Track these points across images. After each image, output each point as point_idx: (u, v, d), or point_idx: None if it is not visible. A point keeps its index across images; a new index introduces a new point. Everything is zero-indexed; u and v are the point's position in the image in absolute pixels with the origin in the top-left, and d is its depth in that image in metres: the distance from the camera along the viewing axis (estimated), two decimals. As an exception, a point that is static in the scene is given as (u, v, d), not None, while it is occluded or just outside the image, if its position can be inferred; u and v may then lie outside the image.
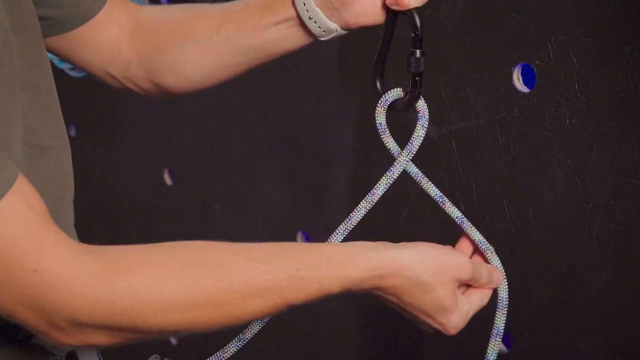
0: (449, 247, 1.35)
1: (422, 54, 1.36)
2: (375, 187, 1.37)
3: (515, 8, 1.76)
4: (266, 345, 2.51)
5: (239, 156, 2.54)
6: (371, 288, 1.27)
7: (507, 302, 1.41)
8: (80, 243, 1.19)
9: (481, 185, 1.90)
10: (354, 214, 1.37)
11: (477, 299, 1.37)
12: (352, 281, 1.25)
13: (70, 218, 1.42)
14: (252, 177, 2.52)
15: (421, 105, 1.37)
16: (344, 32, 1.46)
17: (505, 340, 1.92)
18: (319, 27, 1.45)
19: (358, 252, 1.26)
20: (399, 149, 1.38)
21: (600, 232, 1.72)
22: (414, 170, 1.39)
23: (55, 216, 1.35)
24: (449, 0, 1.87)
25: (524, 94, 1.78)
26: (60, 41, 1.52)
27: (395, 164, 1.37)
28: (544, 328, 1.84)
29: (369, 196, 1.37)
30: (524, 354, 1.87)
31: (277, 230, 2.44)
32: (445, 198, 1.41)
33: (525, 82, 1.79)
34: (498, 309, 1.41)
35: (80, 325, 1.16)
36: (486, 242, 1.40)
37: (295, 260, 1.23)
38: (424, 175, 1.39)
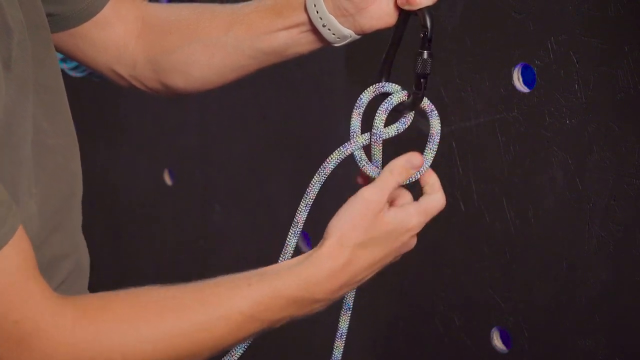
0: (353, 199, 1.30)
1: (429, 55, 1.33)
2: (327, 161, 1.37)
3: (515, 8, 1.76)
4: (266, 346, 2.51)
5: (239, 156, 2.54)
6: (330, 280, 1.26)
7: (350, 306, 1.43)
8: (60, 296, 1.19)
9: (481, 185, 1.90)
10: (310, 188, 1.38)
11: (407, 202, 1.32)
12: (306, 278, 1.25)
13: (78, 218, 1.42)
14: (252, 177, 2.52)
15: (426, 102, 1.36)
16: (357, 37, 1.43)
17: (505, 340, 1.92)
18: (333, 34, 1.42)
19: (295, 262, 1.27)
20: (359, 131, 1.36)
21: (600, 232, 1.72)
22: (361, 157, 1.36)
23: (64, 216, 1.36)
24: (449, 0, 1.87)
25: (524, 94, 1.78)
26: (65, 38, 1.50)
27: (350, 142, 1.35)
28: (544, 328, 1.84)
29: (320, 169, 1.37)
30: (524, 354, 1.87)
31: (277, 230, 2.44)
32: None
33: (525, 82, 1.79)
34: (342, 311, 1.43)
35: None
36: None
37: (245, 279, 1.24)
38: (368, 162, 1.36)
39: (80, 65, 1.61)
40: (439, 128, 1.35)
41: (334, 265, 1.26)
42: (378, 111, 1.33)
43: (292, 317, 1.28)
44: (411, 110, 1.35)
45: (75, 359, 1.16)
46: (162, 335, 1.19)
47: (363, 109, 1.35)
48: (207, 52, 1.50)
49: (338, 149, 1.36)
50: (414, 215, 1.30)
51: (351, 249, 1.27)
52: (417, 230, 1.31)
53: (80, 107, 2.96)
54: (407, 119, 1.35)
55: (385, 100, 1.33)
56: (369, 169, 1.36)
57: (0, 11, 1.22)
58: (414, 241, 1.33)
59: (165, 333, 1.20)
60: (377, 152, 1.35)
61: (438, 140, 1.35)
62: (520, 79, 1.79)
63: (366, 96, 1.36)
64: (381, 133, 1.33)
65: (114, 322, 1.18)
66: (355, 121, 1.36)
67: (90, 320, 1.17)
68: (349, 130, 1.36)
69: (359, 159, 1.36)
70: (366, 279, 1.31)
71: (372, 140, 1.34)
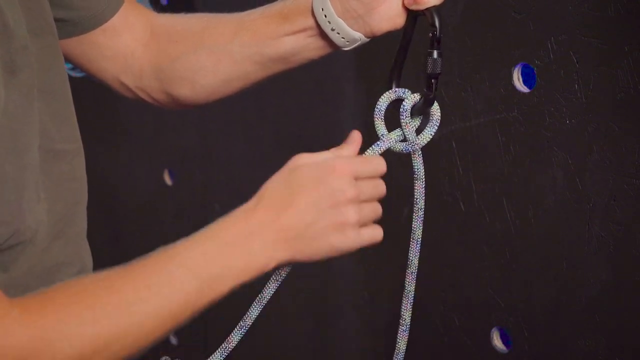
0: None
1: (439, 55, 1.32)
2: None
3: (515, 8, 1.76)
4: (268, 343, 2.51)
5: (239, 156, 2.54)
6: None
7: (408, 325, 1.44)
8: (7, 299, 1.17)
9: (481, 185, 1.90)
10: None
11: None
12: (229, 214, 1.24)
13: (83, 225, 1.41)
14: (252, 177, 2.51)
15: (434, 109, 1.36)
16: (366, 40, 1.42)
17: (505, 340, 1.92)
18: (343, 37, 1.40)
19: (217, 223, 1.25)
20: (386, 132, 1.37)
21: (600, 232, 1.72)
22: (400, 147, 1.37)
23: (67, 224, 1.35)
24: (449, 0, 1.87)
25: (524, 94, 1.78)
26: (73, 45, 1.49)
27: (382, 140, 1.36)
28: (544, 328, 1.84)
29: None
30: (524, 354, 1.87)
31: (277, 230, 2.44)
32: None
33: (525, 82, 1.79)
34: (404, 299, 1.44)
35: None
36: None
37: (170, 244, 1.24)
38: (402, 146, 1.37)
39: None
40: (429, 136, 1.37)
41: (250, 204, 1.26)
42: (402, 123, 1.35)
43: (231, 270, 1.22)
44: (421, 113, 1.35)
45: (25, 357, 1.13)
46: (99, 313, 1.17)
47: (383, 113, 1.36)
48: (213, 58, 1.49)
49: (372, 147, 1.36)
50: (327, 155, 1.34)
51: (265, 189, 1.27)
52: (342, 171, 1.30)
53: (80, 107, 2.96)
54: (435, 121, 1.36)
55: (402, 108, 1.34)
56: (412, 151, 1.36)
57: (0, 15, 1.22)
58: (363, 187, 1.29)
59: (101, 311, 1.17)
60: (418, 162, 1.37)
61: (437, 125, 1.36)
62: (520, 79, 1.79)
63: (383, 102, 1.36)
64: (417, 142, 1.36)
65: (55, 313, 1.16)
66: (380, 126, 1.37)
67: (34, 316, 1.15)
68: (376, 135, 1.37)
69: (399, 149, 1.37)
70: (317, 226, 1.26)
71: (411, 149, 1.36)
